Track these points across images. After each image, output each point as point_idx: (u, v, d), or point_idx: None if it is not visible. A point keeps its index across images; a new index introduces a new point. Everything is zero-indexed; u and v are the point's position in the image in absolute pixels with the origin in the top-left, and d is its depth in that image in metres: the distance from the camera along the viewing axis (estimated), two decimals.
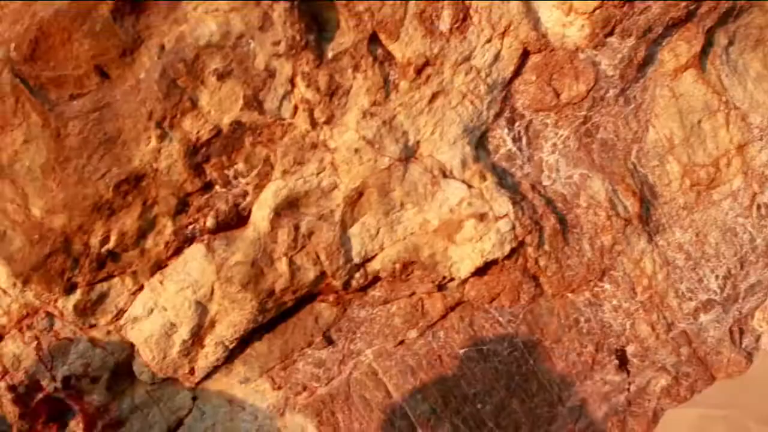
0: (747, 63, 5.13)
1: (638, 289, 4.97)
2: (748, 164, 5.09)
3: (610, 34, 4.73)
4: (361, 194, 4.54)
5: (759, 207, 5.13)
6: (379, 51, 4.47)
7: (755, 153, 5.11)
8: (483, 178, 4.64)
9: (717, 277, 5.09)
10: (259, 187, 4.49)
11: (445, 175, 4.59)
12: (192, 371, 4.66)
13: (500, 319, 4.86)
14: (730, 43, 5.06)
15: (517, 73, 4.76)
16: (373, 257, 4.63)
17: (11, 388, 4.48)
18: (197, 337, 4.55)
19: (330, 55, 4.38)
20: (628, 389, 5.03)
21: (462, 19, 4.50)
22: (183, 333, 4.51)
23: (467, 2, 4.50)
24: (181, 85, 4.22)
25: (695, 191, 5.05)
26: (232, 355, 4.72)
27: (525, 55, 4.73)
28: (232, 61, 4.24)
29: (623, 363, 5.01)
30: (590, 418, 4.99)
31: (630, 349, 5.01)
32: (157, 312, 4.49)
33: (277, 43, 4.24)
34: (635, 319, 4.99)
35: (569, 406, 4.98)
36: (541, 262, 4.79)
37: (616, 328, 4.97)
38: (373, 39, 4.44)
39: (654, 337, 5.03)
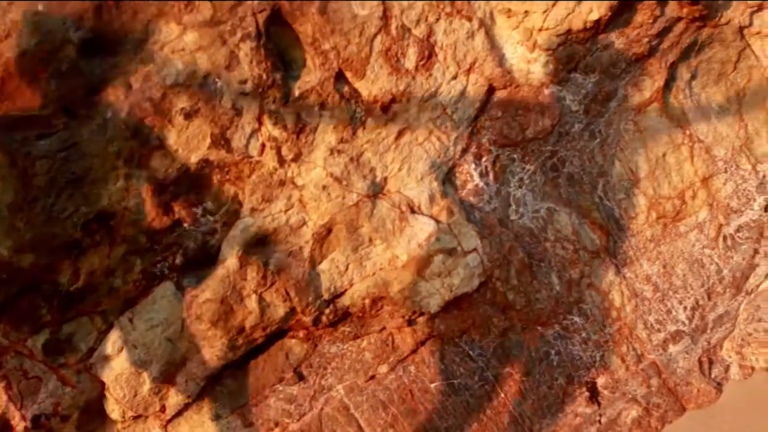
0: (710, 96, 5.20)
1: (607, 322, 5.00)
2: (714, 196, 5.16)
3: (574, 70, 4.80)
4: (329, 231, 4.56)
5: (725, 238, 5.19)
6: (346, 89, 4.51)
7: (720, 185, 5.17)
8: (451, 213, 4.67)
9: (685, 308, 5.13)
10: (228, 225, 4.51)
11: (413, 211, 4.62)
12: (163, 409, 4.65)
13: (471, 352, 4.88)
14: (693, 77, 5.14)
15: (483, 109, 4.81)
16: (342, 293, 4.65)
17: None
18: (168, 374, 4.55)
19: (297, 93, 4.41)
20: (599, 421, 5.05)
21: (427, 57, 4.55)
22: (153, 371, 4.50)
23: (432, 40, 4.54)
24: (149, 124, 4.25)
25: (662, 224, 5.10)
26: (203, 392, 4.71)
27: (490, 91, 4.79)
28: (199, 100, 4.27)
29: (594, 395, 5.04)
30: None
31: (600, 381, 5.04)
32: (127, 350, 4.48)
33: (243, 82, 4.28)
34: (605, 351, 5.02)
35: None
36: (510, 296, 4.82)
37: (586, 360, 5.00)
38: (340, 77, 4.48)
39: (624, 368, 5.06)
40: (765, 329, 5.17)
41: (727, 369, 5.29)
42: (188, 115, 4.28)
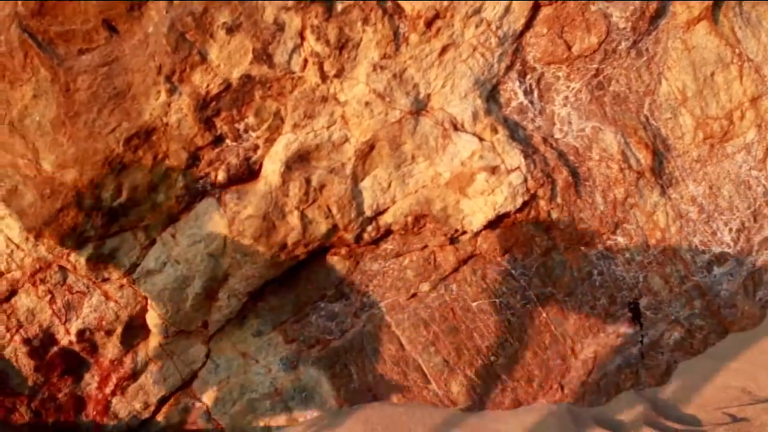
0: (760, 15, 5.08)
1: (651, 242, 4.95)
2: (762, 117, 5.06)
3: None
4: (372, 147, 4.53)
5: None
6: (389, 4, 4.45)
7: None
8: (494, 131, 4.62)
9: (730, 230, 5.07)
10: (270, 141, 4.50)
11: (456, 128, 4.58)
12: (205, 324, 4.69)
13: (513, 272, 4.86)
14: None
15: (528, 25, 4.73)
16: (384, 210, 4.63)
17: (26, 342, 4.53)
18: (210, 290, 4.57)
19: (339, 8, 4.37)
20: (641, 342, 5.03)
21: None
22: (196, 286, 4.53)
23: None
24: (190, 39, 4.23)
25: (708, 144, 5.02)
26: (245, 308, 4.74)
27: (536, 7, 4.70)
28: (241, 15, 4.25)
29: (636, 316, 5.00)
30: (603, 371, 4.99)
31: (643, 302, 5.00)
32: (170, 266, 4.51)
33: None
34: (648, 272, 4.98)
35: (582, 358, 4.98)
36: (554, 215, 4.78)
37: (629, 281, 4.96)
38: None
39: (667, 290, 5.01)
40: None
41: None
42: (230, 30, 4.25)
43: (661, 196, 4.95)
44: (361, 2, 4.38)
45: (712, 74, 4.97)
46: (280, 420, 4.89)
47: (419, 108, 4.56)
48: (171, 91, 4.28)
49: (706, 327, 5.08)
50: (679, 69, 4.92)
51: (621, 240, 4.92)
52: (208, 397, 4.83)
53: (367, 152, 4.52)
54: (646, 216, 4.93)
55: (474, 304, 4.88)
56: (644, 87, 4.92)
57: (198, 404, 4.85)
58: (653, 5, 4.77)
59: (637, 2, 4.75)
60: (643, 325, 5.02)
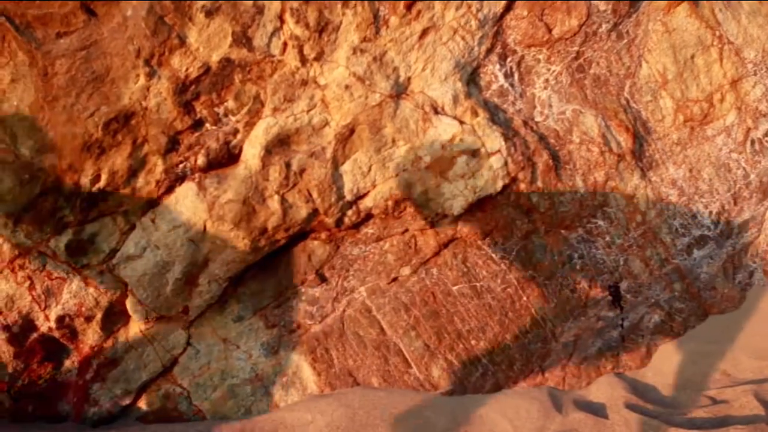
0: None
1: (631, 225, 4.95)
2: (742, 99, 5.06)
3: None
4: (352, 131, 4.52)
5: (753, 142, 5.10)
6: None
7: (749, 88, 5.07)
8: (475, 114, 4.61)
9: (710, 213, 5.08)
10: (250, 125, 4.48)
11: (436, 112, 4.57)
12: (186, 310, 4.66)
13: (493, 255, 4.86)
14: None
15: (509, 8, 4.71)
16: (365, 194, 4.62)
17: (5, 328, 4.50)
18: (190, 275, 4.55)
19: None
20: (622, 325, 5.04)
21: None
22: (176, 272, 4.51)
23: None
24: (169, 22, 4.20)
25: (689, 127, 5.02)
26: (225, 293, 4.72)
27: None
28: None
29: (616, 299, 5.01)
30: (584, 354, 5.01)
31: (623, 286, 5.01)
32: (150, 251, 4.49)
33: None
34: (629, 255, 4.99)
35: (563, 341, 5.00)
36: (534, 199, 4.77)
37: (610, 264, 4.97)
38: None
39: (647, 273, 5.03)
40: None
41: (751, 275, 5.26)
42: (209, 13, 4.23)
43: (642, 179, 4.95)
44: None
45: (693, 57, 4.97)
46: (261, 405, 4.89)
47: (399, 91, 4.54)
48: (150, 75, 4.26)
49: (686, 310, 5.09)
50: (659, 52, 4.92)
51: (601, 223, 4.92)
52: (188, 383, 4.82)
53: (347, 136, 4.51)
54: (626, 199, 4.93)
55: (454, 288, 4.88)
56: (624, 70, 4.92)
57: (179, 390, 4.83)
58: None
59: None
60: (623, 308, 5.03)
